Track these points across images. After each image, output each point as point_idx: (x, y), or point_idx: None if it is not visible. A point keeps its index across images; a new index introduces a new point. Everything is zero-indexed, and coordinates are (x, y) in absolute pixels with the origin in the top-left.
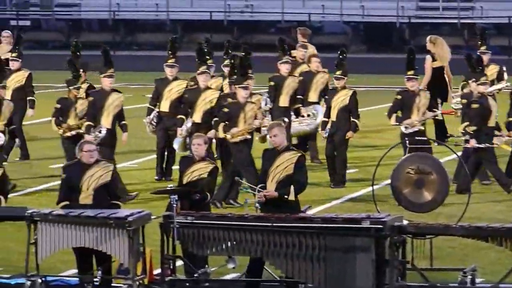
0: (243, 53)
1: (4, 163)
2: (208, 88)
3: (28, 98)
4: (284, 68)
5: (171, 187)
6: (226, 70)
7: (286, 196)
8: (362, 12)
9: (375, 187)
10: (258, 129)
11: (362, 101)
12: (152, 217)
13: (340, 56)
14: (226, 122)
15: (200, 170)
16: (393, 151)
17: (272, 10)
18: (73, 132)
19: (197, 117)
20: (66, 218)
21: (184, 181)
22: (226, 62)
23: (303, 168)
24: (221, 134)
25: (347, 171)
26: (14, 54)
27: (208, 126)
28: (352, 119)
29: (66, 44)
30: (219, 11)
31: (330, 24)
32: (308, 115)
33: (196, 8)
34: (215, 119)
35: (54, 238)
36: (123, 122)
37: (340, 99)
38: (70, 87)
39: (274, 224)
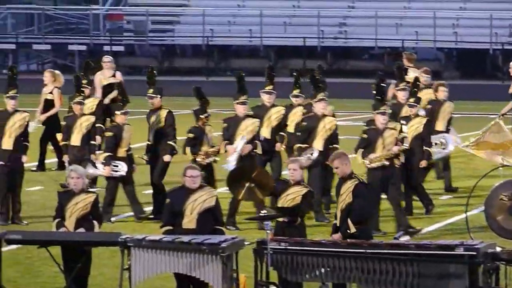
0: (379, 81)
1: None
2: (325, 115)
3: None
4: (401, 95)
5: (264, 213)
6: (294, 100)
7: (348, 231)
8: (455, 38)
9: (468, 213)
10: (397, 156)
11: (455, 128)
12: (246, 243)
13: (414, 84)
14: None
15: (294, 193)
16: (486, 179)
17: (366, 36)
18: (211, 159)
19: (319, 145)
20: (159, 243)
21: (279, 205)
22: (295, 92)
23: (360, 195)
24: (359, 160)
25: (441, 197)
26: (84, 81)
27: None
28: (424, 148)
29: (160, 69)
30: (312, 37)
31: (424, 50)
32: (436, 144)
33: (289, 34)
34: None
35: (148, 263)
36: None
37: (414, 127)
38: (201, 115)
39: (367, 251)
